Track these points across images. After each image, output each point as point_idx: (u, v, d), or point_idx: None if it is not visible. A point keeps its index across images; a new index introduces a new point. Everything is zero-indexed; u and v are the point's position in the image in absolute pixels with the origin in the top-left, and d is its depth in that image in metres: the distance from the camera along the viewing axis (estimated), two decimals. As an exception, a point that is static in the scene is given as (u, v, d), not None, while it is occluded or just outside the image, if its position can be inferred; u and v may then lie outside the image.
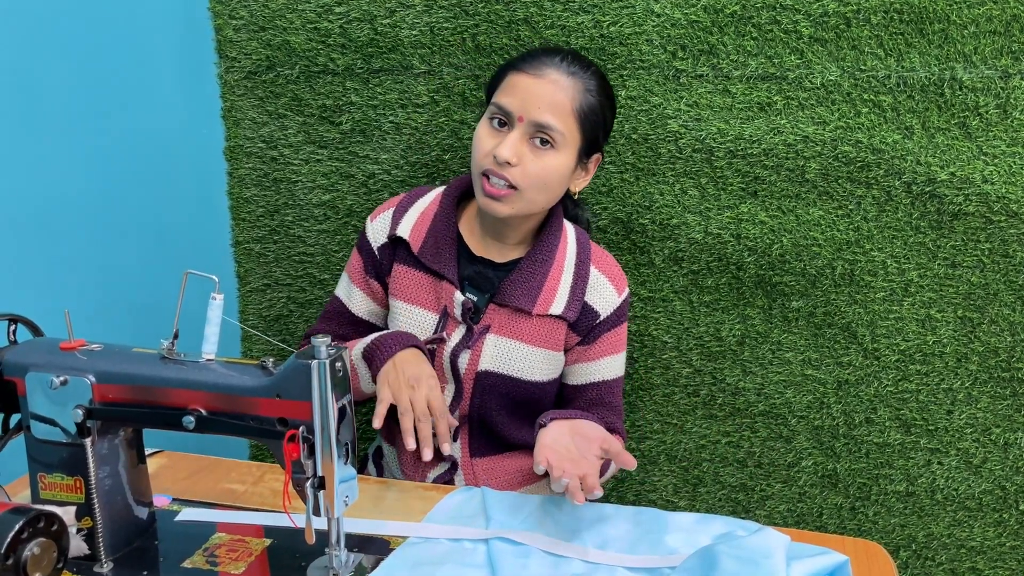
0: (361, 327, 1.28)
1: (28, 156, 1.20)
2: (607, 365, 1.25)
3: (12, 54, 1.16)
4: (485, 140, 1.13)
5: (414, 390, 1.07)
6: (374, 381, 1.14)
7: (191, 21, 1.49)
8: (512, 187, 1.11)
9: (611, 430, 1.18)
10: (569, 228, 1.24)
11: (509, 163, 1.09)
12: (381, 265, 1.24)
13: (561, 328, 1.21)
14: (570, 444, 1.05)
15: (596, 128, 1.16)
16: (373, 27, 1.45)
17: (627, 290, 1.25)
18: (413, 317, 1.21)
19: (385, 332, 1.19)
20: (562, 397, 1.29)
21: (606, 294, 1.22)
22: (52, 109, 1.23)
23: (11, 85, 1.16)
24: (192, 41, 1.50)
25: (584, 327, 1.22)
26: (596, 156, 1.20)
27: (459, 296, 1.18)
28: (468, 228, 1.23)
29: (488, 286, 1.20)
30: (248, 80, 1.53)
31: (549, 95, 1.10)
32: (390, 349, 1.13)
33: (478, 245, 1.22)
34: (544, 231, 1.21)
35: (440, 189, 1.26)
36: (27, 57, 1.18)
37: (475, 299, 1.19)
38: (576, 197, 1.25)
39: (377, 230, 1.24)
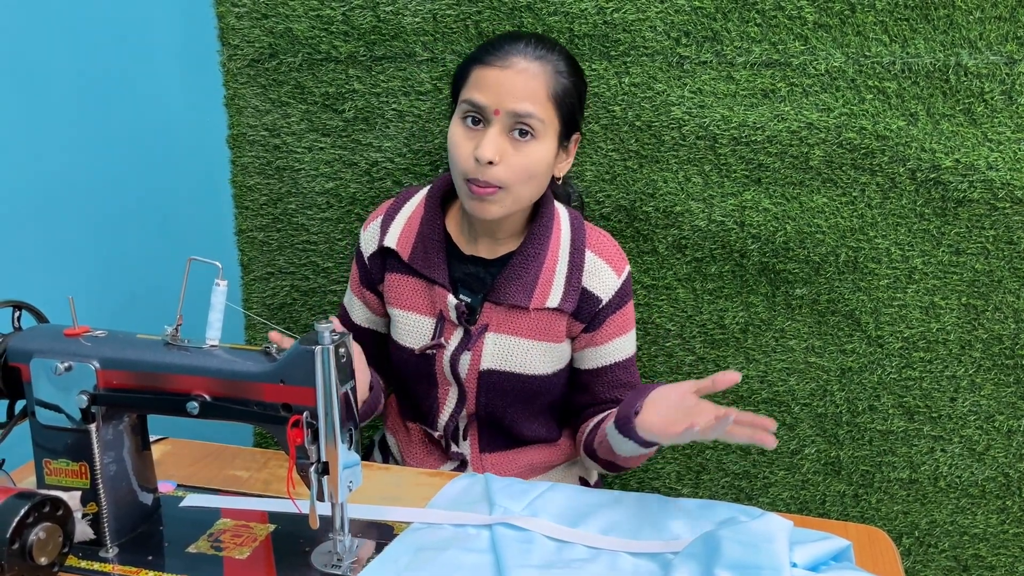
0: (363, 335, 1.29)
1: (32, 144, 1.20)
2: (617, 347, 1.22)
3: (14, 44, 1.16)
4: (463, 143, 1.09)
5: None
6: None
7: (193, 9, 1.49)
8: (498, 186, 1.08)
9: None
10: (562, 212, 1.21)
11: (492, 163, 1.06)
12: (372, 275, 1.24)
13: (562, 319, 1.18)
14: (676, 404, 1.01)
15: (572, 109, 1.13)
16: (376, 14, 1.45)
17: (627, 268, 1.22)
18: (412, 323, 1.21)
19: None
20: (577, 384, 1.26)
21: (605, 278, 1.18)
22: (55, 97, 1.23)
23: (14, 74, 1.16)
24: (194, 29, 1.50)
25: (587, 314, 1.19)
26: (576, 136, 1.17)
27: (452, 300, 1.16)
28: (456, 227, 1.21)
29: (480, 286, 1.18)
30: (251, 68, 1.53)
31: (521, 83, 1.07)
32: None
33: (467, 244, 1.20)
34: (535, 221, 1.18)
35: (425, 190, 1.24)
36: (30, 46, 1.18)
37: (468, 300, 1.17)
38: (560, 180, 1.21)
39: (368, 240, 1.24)
